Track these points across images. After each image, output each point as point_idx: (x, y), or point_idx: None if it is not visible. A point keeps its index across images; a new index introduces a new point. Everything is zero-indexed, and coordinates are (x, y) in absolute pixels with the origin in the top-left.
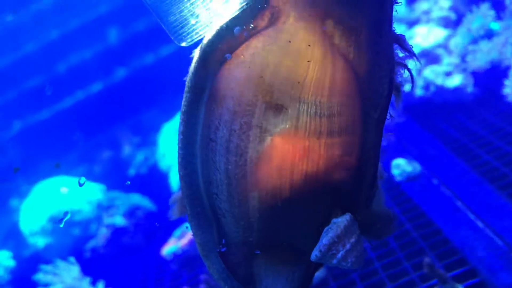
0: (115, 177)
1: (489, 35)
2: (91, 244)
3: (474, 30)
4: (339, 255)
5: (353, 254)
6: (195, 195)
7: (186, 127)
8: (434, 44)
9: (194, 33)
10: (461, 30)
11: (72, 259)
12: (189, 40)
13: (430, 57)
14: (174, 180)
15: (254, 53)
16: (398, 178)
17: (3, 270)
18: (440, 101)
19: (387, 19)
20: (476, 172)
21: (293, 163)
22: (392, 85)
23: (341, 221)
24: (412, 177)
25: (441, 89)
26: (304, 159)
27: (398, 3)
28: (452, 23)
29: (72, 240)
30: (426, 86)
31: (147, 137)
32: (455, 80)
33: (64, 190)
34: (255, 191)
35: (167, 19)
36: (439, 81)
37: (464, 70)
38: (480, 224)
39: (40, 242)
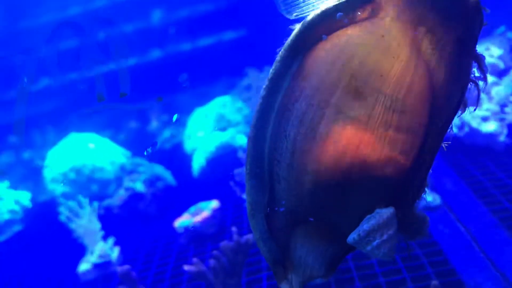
0: (139, 147)
1: None
2: (107, 202)
3: None
4: (375, 243)
5: (387, 245)
6: (258, 157)
7: (268, 93)
8: None
9: (300, 9)
10: (506, 80)
11: (86, 201)
12: (294, 14)
13: (470, 99)
14: (197, 162)
15: (348, 39)
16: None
17: (20, 208)
18: (471, 143)
19: (474, 38)
20: (494, 216)
21: (357, 148)
22: (462, 100)
23: (385, 212)
24: (431, 207)
25: (474, 132)
26: (368, 147)
27: (485, 24)
28: (499, 72)
29: (89, 194)
30: (461, 126)
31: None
32: (490, 126)
33: (91, 145)
34: (315, 166)
35: None
36: (475, 124)
37: (501, 119)
38: (489, 264)
39: (58, 189)
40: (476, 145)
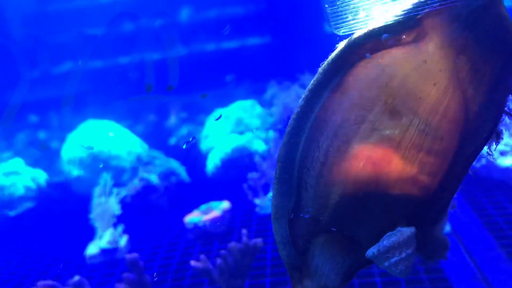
0: (155, 140)
1: None
2: (120, 190)
3: None
4: (393, 260)
5: (405, 263)
6: (288, 163)
7: (307, 102)
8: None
9: (348, 26)
10: None
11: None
12: (342, 30)
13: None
14: (211, 162)
15: (391, 60)
16: None
17: (35, 185)
18: (486, 176)
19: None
20: (502, 250)
21: (387, 166)
22: (494, 130)
23: (406, 231)
24: None
25: (491, 165)
26: (397, 166)
27: None
28: None
29: (104, 180)
30: (478, 158)
31: (195, 115)
32: (508, 161)
33: (111, 134)
34: (344, 178)
35: (333, 6)
36: (492, 157)
37: None
38: None
39: (74, 171)
40: (492, 178)
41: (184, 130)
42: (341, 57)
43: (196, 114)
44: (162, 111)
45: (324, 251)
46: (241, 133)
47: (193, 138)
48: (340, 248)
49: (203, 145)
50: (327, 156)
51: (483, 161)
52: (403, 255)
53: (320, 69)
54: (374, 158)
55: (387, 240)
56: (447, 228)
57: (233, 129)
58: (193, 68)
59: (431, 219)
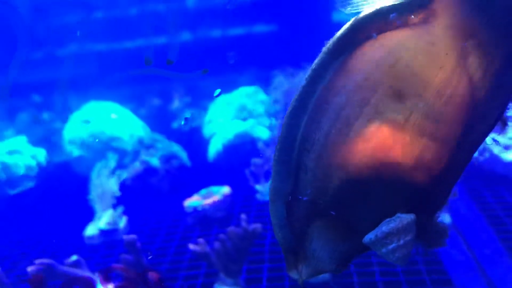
0: (158, 124)
1: None
2: (121, 173)
3: None
4: (391, 246)
5: (403, 251)
6: (289, 144)
7: (309, 83)
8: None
9: (356, 5)
10: None
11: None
12: (349, 8)
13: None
14: (214, 147)
15: (398, 41)
16: None
17: (36, 165)
18: (489, 169)
19: None
20: (503, 244)
21: (389, 150)
22: (500, 117)
23: (405, 217)
24: None
25: (494, 159)
26: (400, 150)
27: None
28: None
29: (104, 160)
30: (482, 151)
31: (199, 100)
32: (511, 156)
33: (114, 116)
34: (344, 161)
35: None
36: (496, 150)
37: None
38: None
39: (75, 152)
40: (495, 172)
41: (187, 115)
42: (346, 36)
43: (200, 99)
44: (166, 96)
45: (321, 235)
46: (244, 119)
47: (187, 118)
48: (337, 233)
49: (206, 130)
50: (328, 139)
51: (487, 154)
52: (401, 242)
53: (324, 48)
54: (376, 142)
55: (386, 226)
56: (448, 220)
57: (236, 115)
58: (198, 53)
59: (431, 206)
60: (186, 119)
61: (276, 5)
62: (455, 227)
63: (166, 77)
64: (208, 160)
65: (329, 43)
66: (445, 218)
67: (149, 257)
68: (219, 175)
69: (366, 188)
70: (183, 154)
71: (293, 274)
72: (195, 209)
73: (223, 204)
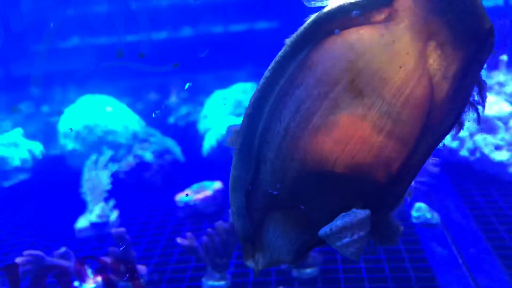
0: (154, 119)
1: None
2: (114, 166)
3: None
4: (345, 240)
5: (356, 245)
6: (250, 134)
7: (272, 74)
8: (496, 115)
9: (321, 0)
10: None
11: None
12: (313, 3)
13: (487, 125)
14: (208, 143)
15: (359, 39)
16: (415, 220)
17: (30, 157)
18: (480, 169)
19: (481, 62)
20: (488, 243)
21: (347, 144)
22: (457, 120)
23: (360, 213)
24: (429, 224)
25: (485, 159)
26: (357, 146)
27: (494, 52)
28: None
29: (97, 154)
30: (473, 150)
31: (195, 96)
32: (502, 156)
33: (109, 109)
34: (302, 154)
35: None
36: (487, 150)
37: None
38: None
39: (69, 145)
40: (485, 172)
41: (183, 110)
42: (309, 31)
43: (197, 95)
44: (164, 90)
45: (279, 226)
46: (240, 115)
47: (165, 107)
48: (294, 224)
49: (201, 126)
50: (288, 130)
51: (478, 154)
52: (355, 236)
53: (287, 41)
54: (333, 136)
55: (341, 220)
56: (436, 218)
57: (231, 111)
58: (198, 49)
59: (387, 204)
60: (160, 111)
61: (275, 3)
62: (443, 224)
63: (138, 70)
64: (202, 155)
65: (293, 36)
66: (434, 216)
67: (121, 248)
68: (213, 170)
69: (323, 181)
70: (176, 149)
71: (250, 263)
72: (186, 204)
73: (215, 199)
